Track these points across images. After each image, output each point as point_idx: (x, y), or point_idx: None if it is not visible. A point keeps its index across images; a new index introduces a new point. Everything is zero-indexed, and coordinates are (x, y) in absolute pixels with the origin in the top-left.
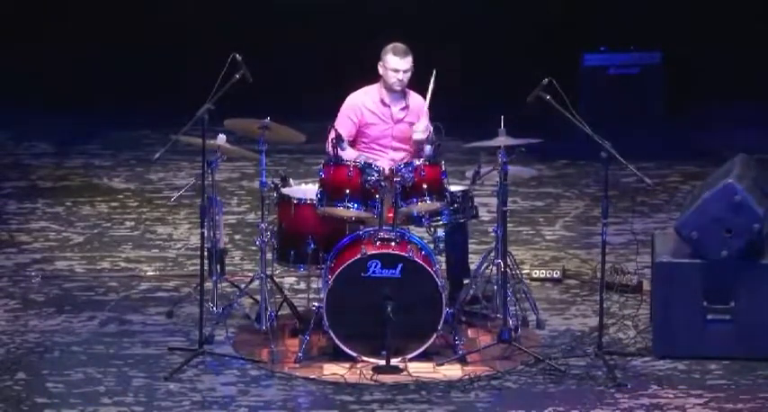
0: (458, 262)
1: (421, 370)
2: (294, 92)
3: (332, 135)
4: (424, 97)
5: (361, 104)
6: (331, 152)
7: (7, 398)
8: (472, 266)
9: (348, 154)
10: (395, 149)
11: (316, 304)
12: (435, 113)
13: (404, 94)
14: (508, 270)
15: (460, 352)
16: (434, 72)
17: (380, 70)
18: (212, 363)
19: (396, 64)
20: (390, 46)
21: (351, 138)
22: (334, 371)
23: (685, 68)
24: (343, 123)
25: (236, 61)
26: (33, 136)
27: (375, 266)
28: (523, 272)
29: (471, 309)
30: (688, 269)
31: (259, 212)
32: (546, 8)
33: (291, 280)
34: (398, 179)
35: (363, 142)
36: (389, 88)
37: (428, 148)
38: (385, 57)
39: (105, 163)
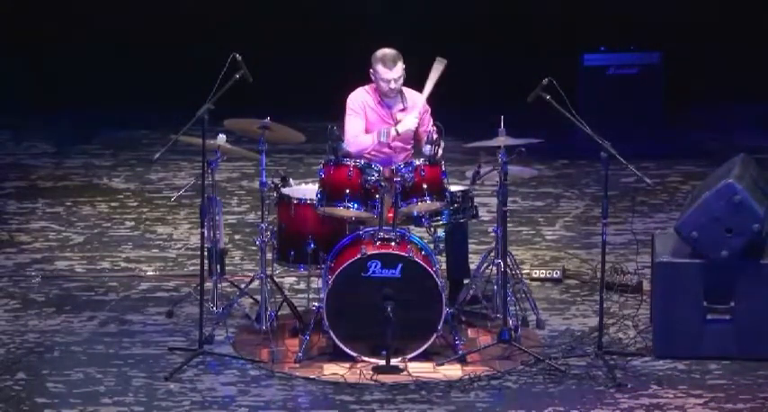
0: (458, 262)
1: (421, 370)
2: (294, 92)
3: (345, 132)
4: (424, 86)
5: (365, 102)
6: (346, 152)
7: (7, 398)
8: (472, 266)
9: (365, 139)
10: (396, 150)
11: (316, 304)
12: (435, 112)
13: (401, 94)
14: (508, 270)
15: (460, 352)
16: (444, 62)
17: (372, 77)
18: (212, 363)
19: (386, 74)
20: (379, 54)
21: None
22: (334, 371)
23: (685, 68)
24: (355, 121)
25: (236, 61)
26: (33, 136)
27: (375, 266)
28: (523, 272)
29: (471, 308)
30: (688, 269)
31: (259, 212)
32: (546, 8)
33: (291, 280)
34: (398, 179)
35: None
36: (384, 94)
37: (428, 148)
38: (375, 66)
39: (105, 163)
